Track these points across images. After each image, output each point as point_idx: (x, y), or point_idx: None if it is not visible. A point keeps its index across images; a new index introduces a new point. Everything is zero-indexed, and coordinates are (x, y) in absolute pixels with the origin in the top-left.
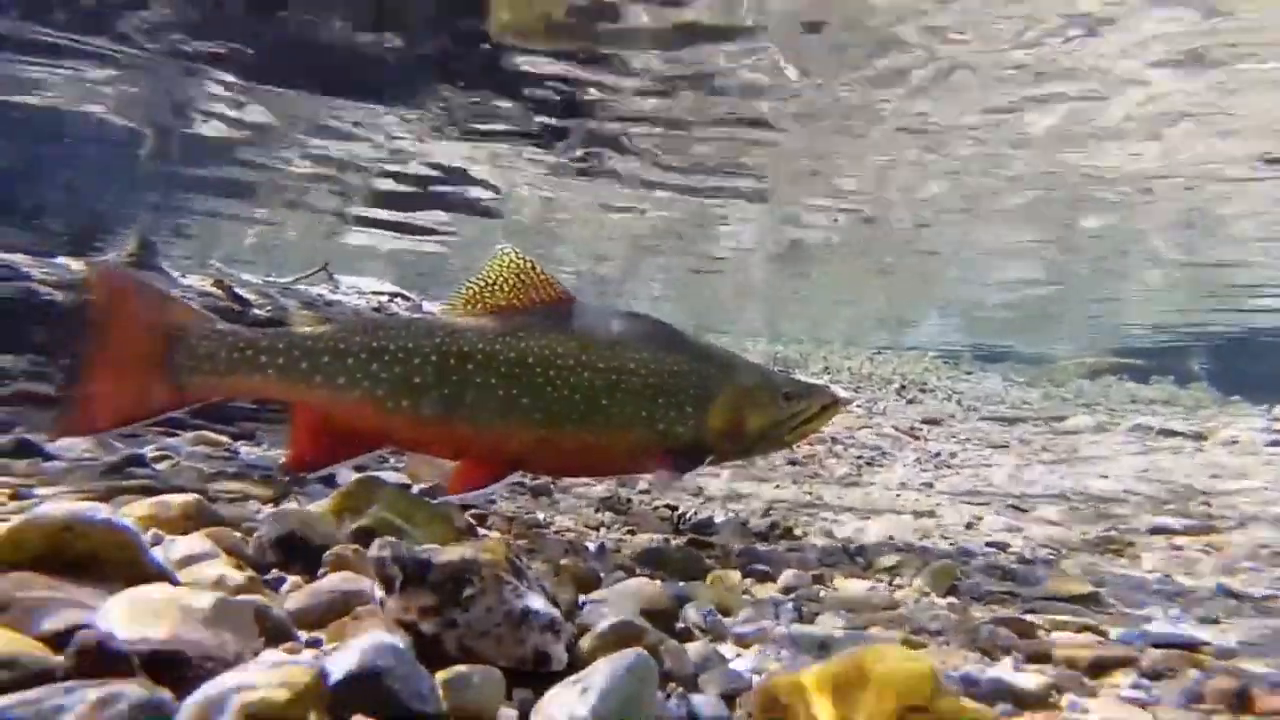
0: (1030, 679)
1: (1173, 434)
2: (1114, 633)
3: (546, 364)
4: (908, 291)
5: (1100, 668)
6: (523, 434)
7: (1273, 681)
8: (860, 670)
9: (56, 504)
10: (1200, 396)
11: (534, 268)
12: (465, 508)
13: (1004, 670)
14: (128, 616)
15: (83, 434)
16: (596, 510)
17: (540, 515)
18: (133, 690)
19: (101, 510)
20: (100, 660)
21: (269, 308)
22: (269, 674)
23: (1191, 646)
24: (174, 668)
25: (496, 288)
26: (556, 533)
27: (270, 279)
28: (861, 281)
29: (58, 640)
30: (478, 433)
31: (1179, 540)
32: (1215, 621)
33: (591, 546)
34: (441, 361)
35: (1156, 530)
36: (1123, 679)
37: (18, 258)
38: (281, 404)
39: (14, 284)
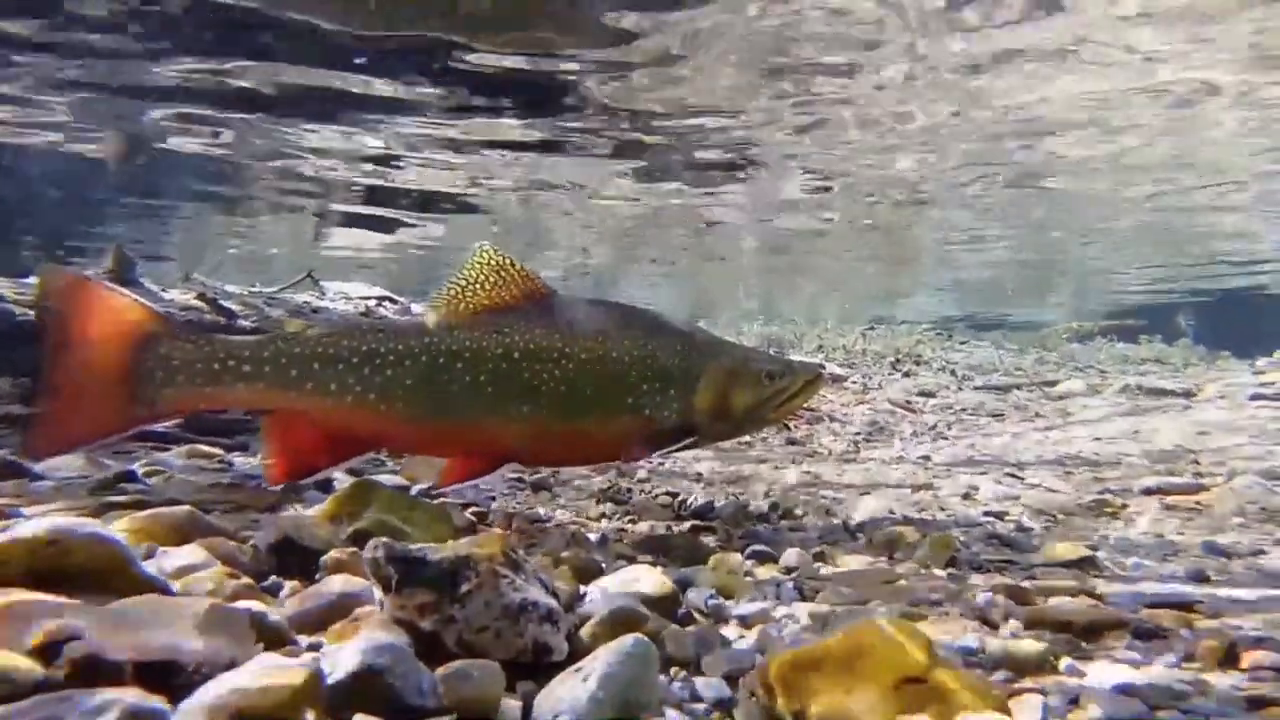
0: (1028, 645)
1: (1162, 393)
2: (1109, 595)
3: (532, 358)
4: (897, 265)
5: (1095, 630)
6: (514, 428)
7: (1260, 637)
8: (859, 644)
9: (40, 520)
10: (1188, 354)
11: (513, 264)
12: (465, 505)
13: (1002, 638)
14: (117, 627)
15: (49, 454)
16: (597, 502)
17: (541, 510)
18: (125, 698)
19: (87, 524)
20: (92, 670)
21: (255, 318)
22: (263, 676)
23: (1183, 605)
24: (167, 675)
25: (477, 286)
26: (557, 526)
27: (255, 289)
28: (851, 258)
29: (48, 653)
30: (471, 430)
31: (1170, 500)
32: (1206, 579)
33: (593, 538)
34: (430, 362)
35: (1148, 491)
36: (1117, 640)
37: None
38: (257, 413)
39: None
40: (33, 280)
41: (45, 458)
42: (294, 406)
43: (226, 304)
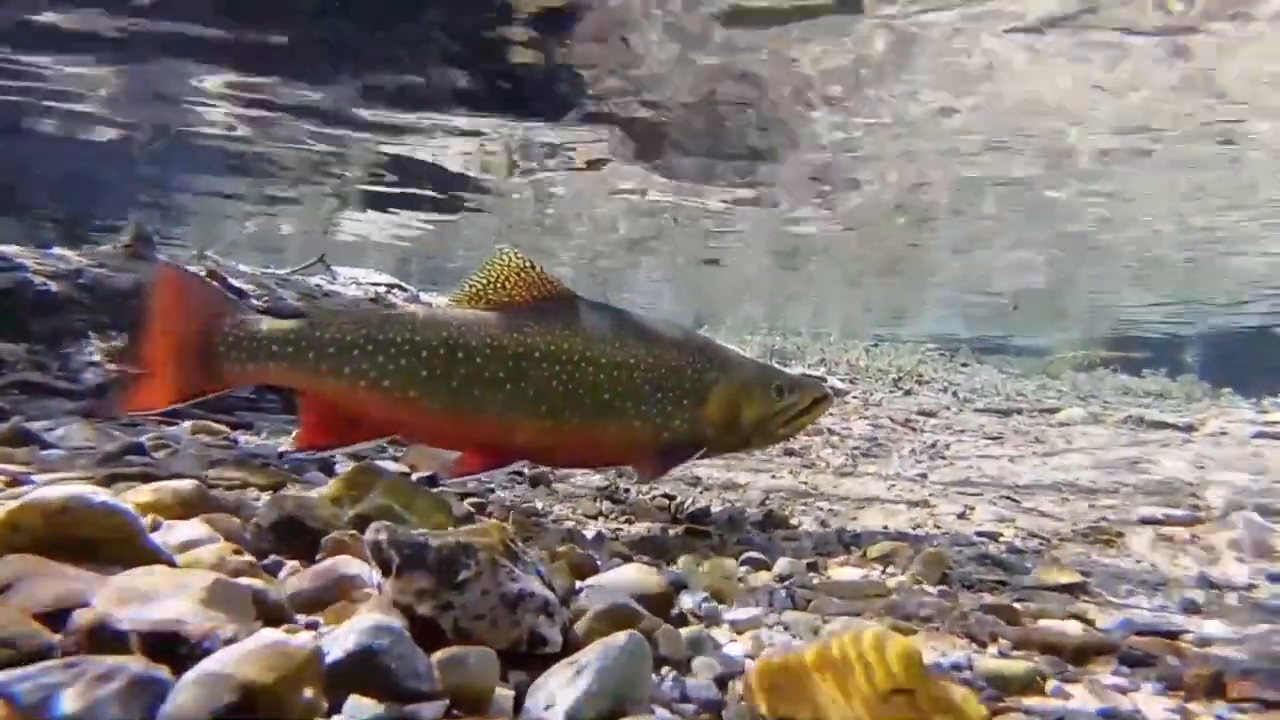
0: (1015, 665)
1: (1163, 426)
2: (1099, 620)
3: (550, 359)
4: (904, 284)
5: (1083, 654)
6: (525, 426)
7: (1247, 668)
8: (849, 654)
9: (54, 488)
10: (1191, 389)
11: (533, 266)
12: (464, 496)
13: (990, 656)
14: (125, 597)
15: (137, 411)
16: (594, 499)
17: (538, 504)
18: (130, 666)
19: (99, 494)
20: (98, 639)
21: (266, 298)
22: (265, 652)
23: (1172, 634)
24: (171, 646)
25: (498, 286)
26: (554, 521)
27: (268, 270)
28: (858, 274)
29: (56, 620)
30: (483, 424)
31: (1166, 530)
32: (1197, 610)
33: (588, 535)
34: (449, 356)
35: (1145, 521)
36: (1105, 665)
37: (12, 249)
38: (294, 391)
39: (9, 274)
40: (57, 252)
41: (130, 414)
42: (320, 388)
43: (237, 283)
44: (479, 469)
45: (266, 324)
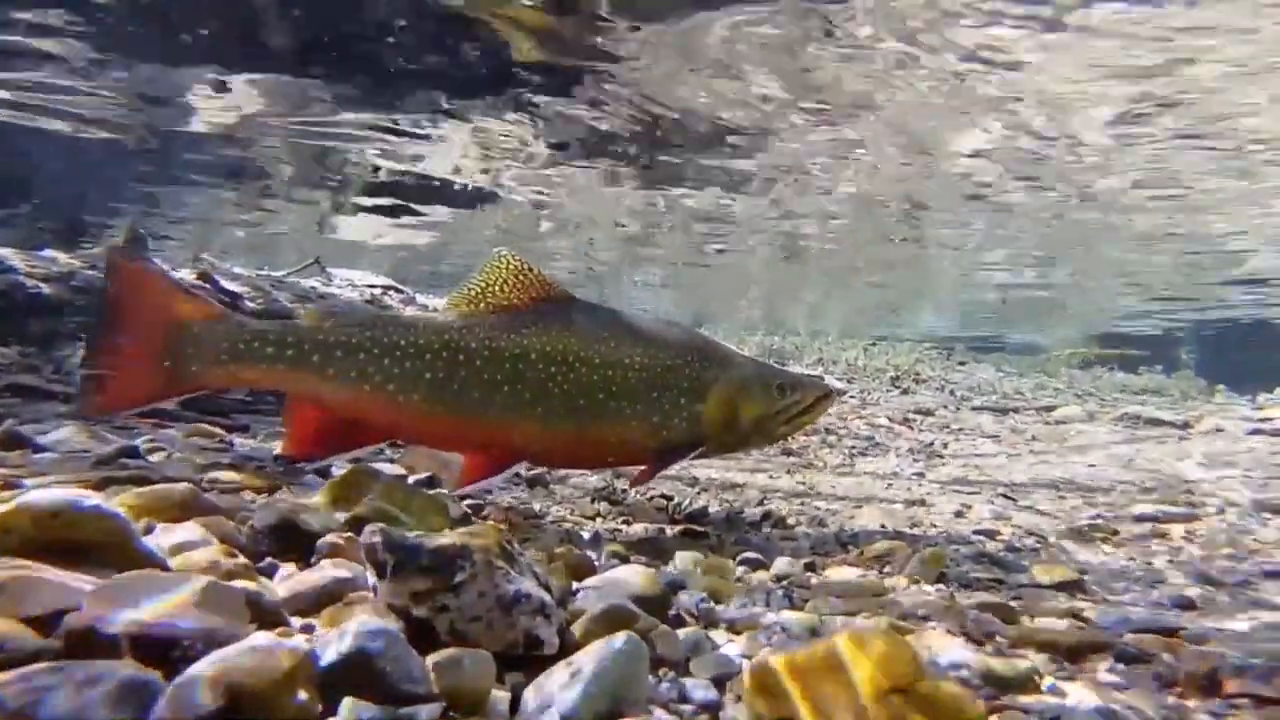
0: (1011, 663)
1: (1159, 423)
2: (1096, 618)
3: (549, 360)
4: (902, 283)
5: (1079, 652)
6: (524, 427)
7: (1242, 665)
8: (845, 653)
9: (45, 491)
10: (1187, 386)
11: (530, 269)
12: (461, 498)
13: (987, 655)
14: (116, 600)
15: (100, 414)
16: (592, 500)
17: (536, 506)
18: (120, 670)
19: (90, 497)
20: (88, 642)
21: (261, 301)
22: (257, 655)
23: (1168, 632)
24: (163, 650)
25: (496, 288)
26: (552, 523)
27: (263, 272)
28: (856, 274)
29: (46, 624)
30: (482, 426)
31: (1162, 528)
32: (1192, 607)
33: (586, 535)
34: (451, 357)
35: (1140, 518)
36: (1100, 663)
37: (3, 250)
38: (279, 394)
39: (1, 276)
40: (48, 255)
41: (97, 416)
42: (311, 390)
43: (230, 286)
44: (483, 478)
45: (245, 325)
